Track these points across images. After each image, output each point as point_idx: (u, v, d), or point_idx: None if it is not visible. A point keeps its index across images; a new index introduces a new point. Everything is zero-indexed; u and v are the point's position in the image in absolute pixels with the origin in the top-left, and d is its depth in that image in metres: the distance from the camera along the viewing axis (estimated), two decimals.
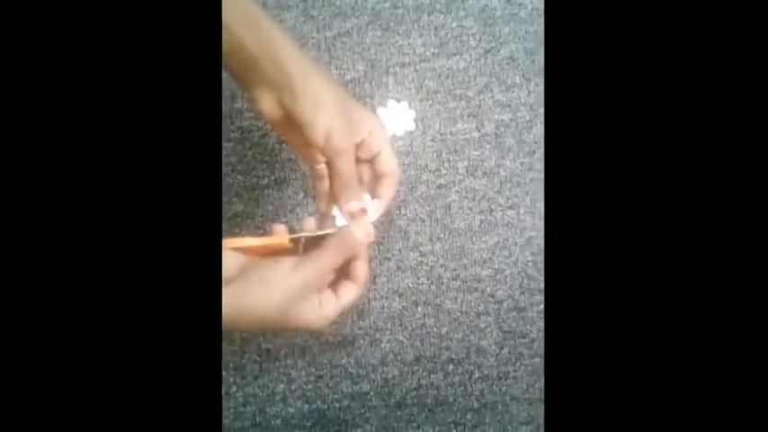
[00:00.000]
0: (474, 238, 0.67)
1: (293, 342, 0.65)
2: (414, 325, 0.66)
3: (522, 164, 0.69)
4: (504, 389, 0.65)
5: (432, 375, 0.65)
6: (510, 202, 0.68)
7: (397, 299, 0.66)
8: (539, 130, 0.70)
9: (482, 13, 0.73)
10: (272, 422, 0.64)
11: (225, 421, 0.64)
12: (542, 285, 0.67)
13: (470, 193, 0.68)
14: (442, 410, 0.65)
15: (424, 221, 0.68)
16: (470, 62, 0.71)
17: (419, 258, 0.67)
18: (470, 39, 0.72)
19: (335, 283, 0.47)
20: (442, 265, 0.67)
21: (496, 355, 0.66)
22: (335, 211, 0.51)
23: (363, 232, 0.47)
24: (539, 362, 0.66)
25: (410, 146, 0.69)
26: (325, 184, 0.52)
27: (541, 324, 0.66)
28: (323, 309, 0.45)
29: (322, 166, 0.51)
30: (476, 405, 0.65)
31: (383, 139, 0.51)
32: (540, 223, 0.68)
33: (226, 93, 0.69)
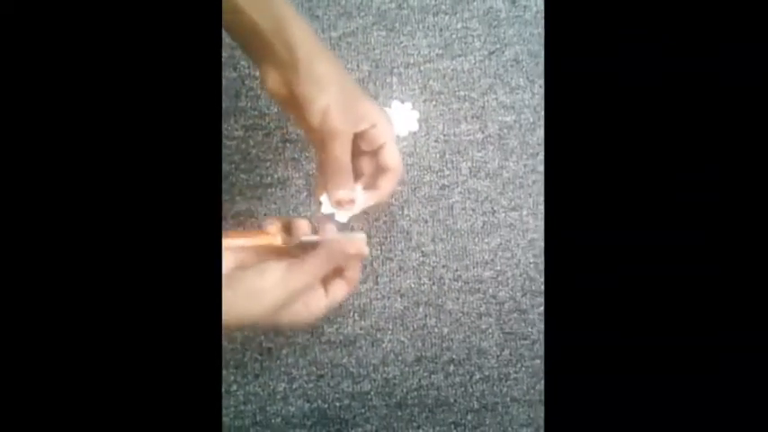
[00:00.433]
0: (476, 240, 0.68)
1: (294, 341, 0.65)
2: (415, 325, 0.66)
3: (525, 166, 0.69)
4: (504, 390, 0.65)
5: (432, 376, 0.65)
6: (513, 203, 0.68)
7: (399, 299, 0.66)
8: (542, 132, 0.70)
9: (487, 14, 0.73)
10: (273, 421, 0.64)
11: (225, 419, 0.64)
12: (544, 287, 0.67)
13: (473, 195, 0.68)
14: (443, 411, 0.65)
15: (426, 222, 0.68)
16: (475, 63, 0.72)
17: (421, 259, 0.67)
18: (475, 40, 0.72)
19: (326, 281, 0.46)
20: (444, 266, 0.67)
21: (497, 356, 0.66)
22: (323, 197, 0.51)
23: (355, 247, 0.46)
24: (539, 364, 0.66)
25: (413, 146, 0.69)
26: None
27: (542, 326, 0.66)
28: (310, 308, 0.45)
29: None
30: (476, 406, 0.65)
31: (387, 133, 0.50)
32: (542, 225, 0.68)
33: (230, 91, 0.70)
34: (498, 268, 0.67)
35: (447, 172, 0.69)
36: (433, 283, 0.67)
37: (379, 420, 0.64)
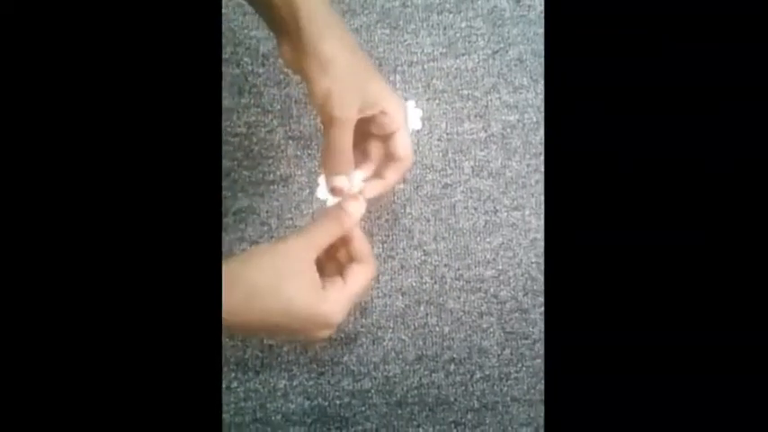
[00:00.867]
0: (478, 239, 0.67)
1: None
2: (416, 324, 0.66)
3: (528, 165, 0.69)
4: (505, 389, 0.65)
5: (433, 374, 0.65)
6: (515, 203, 0.68)
7: (400, 297, 0.66)
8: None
9: (491, 13, 0.73)
10: (273, 418, 0.64)
11: (225, 416, 0.64)
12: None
13: (476, 194, 0.68)
14: (443, 410, 0.65)
15: (428, 221, 0.68)
16: (478, 62, 0.71)
17: (423, 257, 0.67)
18: (479, 39, 0.72)
19: (341, 270, 0.46)
20: (445, 265, 0.67)
21: (498, 355, 0.66)
22: (320, 179, 0.49)
23: (353, 206, 0.45)
24: (540, 363, 0.66)
25: (416, 145, 0.69)
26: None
27: (543, 326, 0.66)
28: (329, 292, 0.43)
29: None
30: (476, 405, 0.65)
31: (399, 120, 0.48)
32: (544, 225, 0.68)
33: (233, 88, 0.70)
34: (500, 267, 0.67)
35: (449, 171, 0.69)
36: (435, 282, 0.67)
37: (379, 418, 0.64)
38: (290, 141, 0.69)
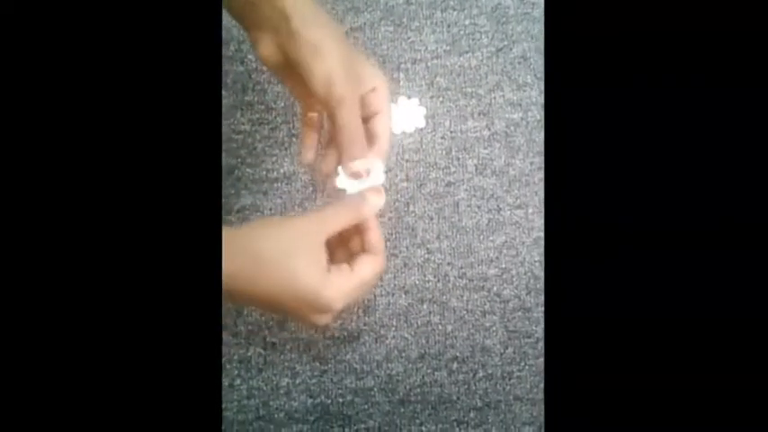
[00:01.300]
0: (481, 237, 0.67)
1: (298, 336, 0.65)
2: (419, 322, 0.66)
3: (531, 163, 0.69)
4: (507, 388, 0.65)
5: (436, 373, 0.65)
6: (518, 201, 0.68)
7: (403, 296, 0.66)
8: None
9: (495, 11, 0.73)
10: (276, 415, 0.64)
11: (228, 414, 0.64)
12: None
13: (479, 192, 0.68)
14: (446, 408, 0.65)
15: (431, 219, 0.68)
16: (482, 60, 0.71)
17: (426, 256, 0.67)
18: (483, 37, 0.72)
19: (348, 258, 0.45)
20: (448, 263, 0.67)
21: (501, 354, 0.66)
22: (339, 168, 0.48)
23: (374, 196, 0.45)
24: (543, 362, 0.66)
25: (420, 143, 0.69)
26: (314, 135, 0.49)
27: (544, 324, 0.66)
28: (333, 276, 0.43)
29: (315, 115, 0.49)
30: (479, 404, 0.65)
31: (385, 98, 0.48)
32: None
33: (236, 85, 0.69)
34: (503, 266, 0.67)
35: (453, 169, 0.69)
36: (438, 281, 0.67)
37: (381, 417, 0.64)
38: (294, 139, 0.69)
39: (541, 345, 0.66)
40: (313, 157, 0.50)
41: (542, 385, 0.65)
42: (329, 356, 0.65)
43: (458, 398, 0.65)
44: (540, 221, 0.68)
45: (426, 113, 0.68)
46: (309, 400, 0.64)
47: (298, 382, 0.65)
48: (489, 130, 0.70)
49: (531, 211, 0.68)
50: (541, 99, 0.70)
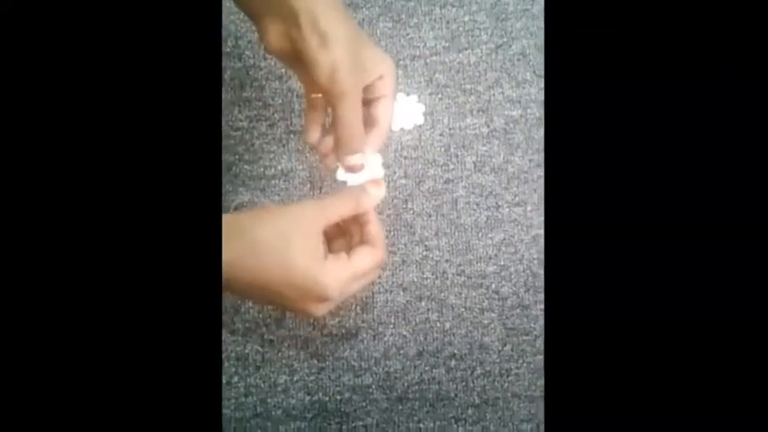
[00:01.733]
0: (480, 234, 0.67)
1: (296, 333, 0.65)
2: (417, 319, 0.66)
3: (530, 161, 0.69)
4: (505, 386, 0.65)
5: (434, 370, 0.65)
6: (517, 198, 0.68)
7: (402, 293, 0.66)
8: None
9: (494, 7, 0.72)
10: (274, 413, 0.64)
11: (226, 411, 0.64)
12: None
13: (477, 189, 0.68)
14: (444, 405, 0.65)
15: (430, 216, 0.67)
16: (481, 57, 0.71)
17: (424, 253, 0.67)
18: (482, 33, 0.72)
19: (349, 249, 0.45)
20: (447, 261, 0.67)
21: (499, 351, 0.66)
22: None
23: (374, 188, 0.45)
24: (541, 360, 0.66)
25: (418, 140, 0.69)
26: (318, 115, 0.49)
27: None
28: (330, 264, 0.43)
29: (319, 96, 0.48)
30: (477, 401, 0.65)
31: (390, 86, 0.48)
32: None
33: (234, 82, 0.69)
34: (501, 263, 0.67)
35: (452, 166, 0.69)
36: (436, 278, 0.66)
37: (379, 414, 0.64)
38: (292, 136, 0.68)
39: (540, 342, 0.66)
40: (317, 138, 0.50)
41: (540, 382, 0.65)
42: (327, 354, 0.65)
43: (456, 395, 0.65)
44: (539, 219, 0.68)
45: (425, 110, 0.67)
46: (307, 398, 0.64)
47: (295, 379, 0.65)
48: (488, 127, 0.69)
49: (529, 208, 0.68)
50: (541, 96, 0.70)
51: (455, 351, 0.65)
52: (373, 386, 0.65)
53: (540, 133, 0.69)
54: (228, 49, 0.70)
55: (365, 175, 0.48)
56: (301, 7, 0.41)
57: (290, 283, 0.42)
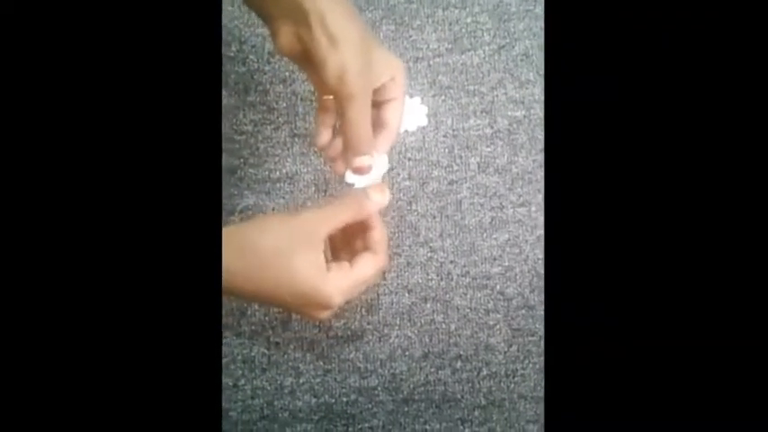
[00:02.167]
0: (484, 235, 0.67)
1: (302, 336, 0.65)
2: (422, 321, 0.66)
3: (534, 161, 0.69)
4: (511, 386, 0.65)
5: (439, 371, 0.65)
6: (521, 199, 0.68)
7: (407, 294, 0.66)
8: None
9: (497, 8, 0.72)
10: (280, 415, 0.64)
11: (233, 414, 0.64)
12: None
13: (482, 190, 0.68)
14: (450, 407, 0.65)
15: (434, 217, 0.68)
16: (484, 58, 0.71)
17: (429, 254, 0.67)
18: (485, 34, 0.72)
19: (351, 256, 0.45)
20: (451, 262, 0.67)
21: (505, 352, 0.66)
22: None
23: (377, 193, 0.45)
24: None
25: (422, 141, 0.69)
26: (329, 117, 0.49)
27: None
28: (333, 273, 0.43)
29: (330, 98, 0.48)
30: (483, 402, 0.65)
31: (401, 88, 0.48)
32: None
33: (239, 86, 0.70)
34: (506, 264, 0.67)
35: (455, 167, 0.69)
36: (441, 279, 0.66)
37: (385, 416, 0.64)
38: (296, 139, 0.69)
39: (545, 343, 0.66)
40: (327, 140, 0.49)
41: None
42: (333, 356, 0.65)
43: (462, 396, 0.65)
44: (542, 219, 0.68)
45: (428, 112, 0.67)
46: (313, 400, 0.64)
47: (302, 381, 0.65)
48: (492, 127, 0.69)
49: (533, 208, 0.68)
50: (543, 97, 0.70)
51: (461, 352, 0.65)
52: (379, 388, 0.65)
53: (542, 134, 0.69)
54: (233, 54, 0.70)
55: (372, 176, 0.48)
56: (311, 8, 0.41)
57: (293, 293, 0.43)
